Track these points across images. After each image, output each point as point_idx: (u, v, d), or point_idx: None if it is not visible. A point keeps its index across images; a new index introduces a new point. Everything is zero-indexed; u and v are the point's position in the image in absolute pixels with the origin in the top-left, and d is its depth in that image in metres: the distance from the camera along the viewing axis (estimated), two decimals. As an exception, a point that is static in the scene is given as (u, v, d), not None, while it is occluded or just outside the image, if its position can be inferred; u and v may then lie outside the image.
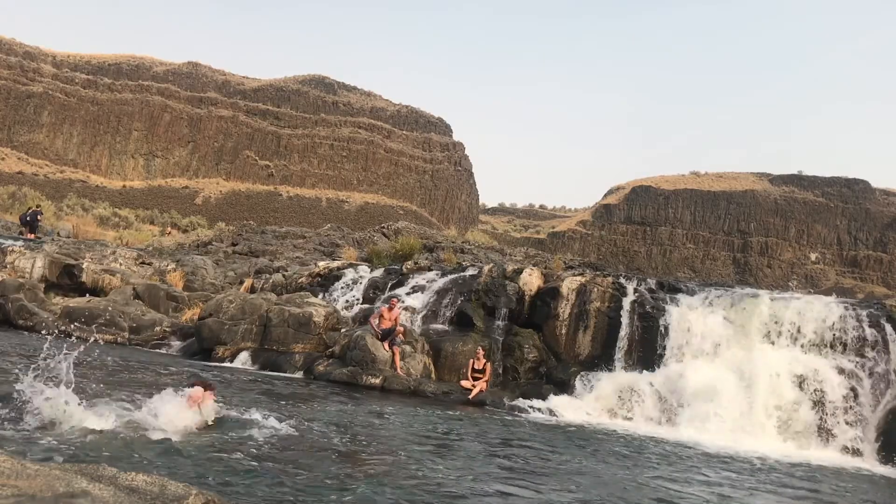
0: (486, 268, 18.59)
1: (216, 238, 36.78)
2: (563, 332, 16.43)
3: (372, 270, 21.17)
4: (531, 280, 17.62)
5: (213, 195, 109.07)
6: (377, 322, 15.60)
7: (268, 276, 22.71)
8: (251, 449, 6.80)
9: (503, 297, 17.24)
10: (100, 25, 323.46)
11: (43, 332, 16.46)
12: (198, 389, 7.37)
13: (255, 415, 8.08)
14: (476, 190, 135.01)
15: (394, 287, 19.43)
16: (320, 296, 19.47)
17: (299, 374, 15.54)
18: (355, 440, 8.31)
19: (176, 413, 6.81)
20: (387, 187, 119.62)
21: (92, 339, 9.71)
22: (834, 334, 14.11)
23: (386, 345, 15.41)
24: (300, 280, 21.01)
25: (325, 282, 20.86)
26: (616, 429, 12.91)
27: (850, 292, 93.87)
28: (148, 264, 24.30)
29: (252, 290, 20.98)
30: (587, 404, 14.45)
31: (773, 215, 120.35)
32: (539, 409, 14.09)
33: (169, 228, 62.50)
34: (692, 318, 15.27)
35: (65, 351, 6.61)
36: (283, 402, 10.66)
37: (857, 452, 12.62)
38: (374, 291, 19.79)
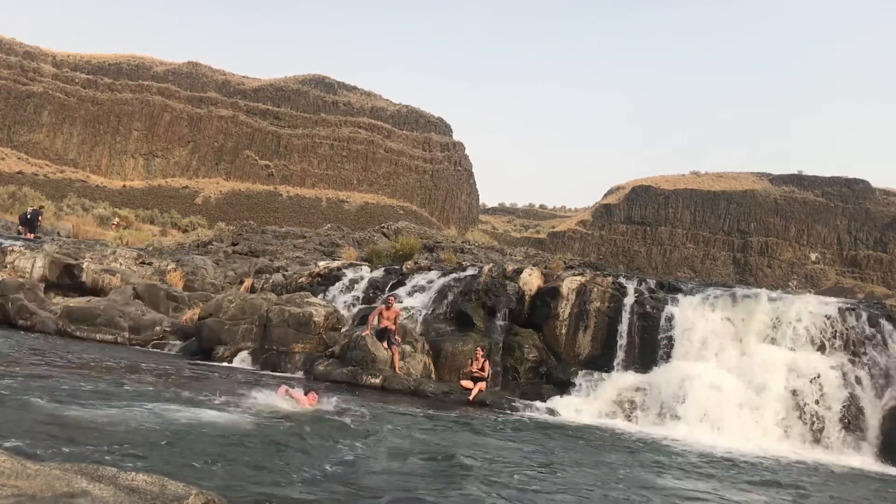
0: (486, 268, 18.58)
1: (216, 238, 36.76)
2: (563, 332, 16.42)
3: (372, 270, 21.16)
4: (531, 280, 17.62)
5: (213, 195, 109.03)
6: (376, 321, 15.61)
7: (268, 276, 22.69)
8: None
9: (503, 296, 17.24)
10: (100, 25, 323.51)
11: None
12: (299, 391, 10.55)
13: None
14: (476, 190, 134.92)
15: (394, 287, 19.43)
16: (320, 296, 19.46)
17: (299, 374, 15.55)
18: (358, 439, 8.32)
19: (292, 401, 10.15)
20: (387, 187, 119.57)
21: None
22: (834, 334, 14.11)
23: (385, 344, 15.41)
24: (300, 280, 21.00)
25: (325, 282, 20.85)
26: (616, 429, 12.91)
27: (850, 292, 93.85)
28: (148, 264, 24.29)
29: (252, 290, 20.97)
30: (587, 404, 14.45)
31: (773, 215, 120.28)
32: (539, 409, 14.10)
33: (117, 219, 57.15)
34: (692, 318, 15.27)
35: None
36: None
37: (856, 451, 12.62)
38: (374, 291, 19.78)
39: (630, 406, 14.21)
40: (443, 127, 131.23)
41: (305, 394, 10.62)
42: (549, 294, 16.96)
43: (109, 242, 29.69)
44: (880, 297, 44.41)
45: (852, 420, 12.98)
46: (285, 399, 10.35)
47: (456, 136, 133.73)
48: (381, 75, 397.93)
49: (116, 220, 55.88)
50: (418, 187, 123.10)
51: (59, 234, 35.75)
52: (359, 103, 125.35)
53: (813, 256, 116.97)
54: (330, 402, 10.76)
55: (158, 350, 17.73)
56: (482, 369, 14.93)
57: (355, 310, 18.98)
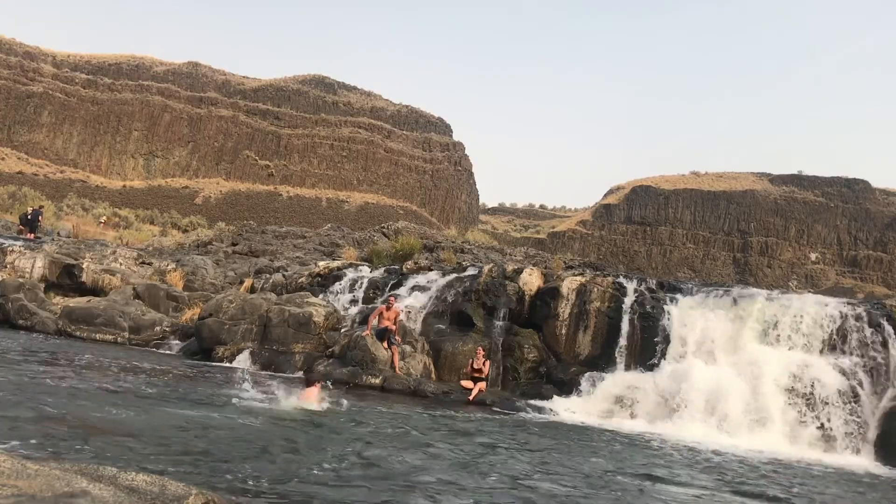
0: (486, 268, 18.58)
1: (216, 238, 36.75)
2: (563, 331, 16.42)
3: (372, 270, 21.15)
4: (531, 280, 17.62)
5: (213, 195, 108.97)
6: (376, 321, 15.61)
7: (268, 276, 22.69)
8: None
9: (503, 296, 17.24)
10: (100, 25, 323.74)
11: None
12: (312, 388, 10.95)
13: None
14: (476, 190, 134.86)
15: (394, 287, 19.43)
16: (320, 296, 19.46)
17: (299, 374, 15.53)
18: (353, 438, 8.32)
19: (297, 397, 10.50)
20: (387, 187, 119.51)
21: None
22: (833, 334, 14.11)
23: (385, 344, 15.41)
24: (300, 280, 20.99)
25: (325, 282, 20.85)
26: (616, 428, 12.91)
27: (850, 292, 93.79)
28: (148, 264, 24.30)
29: (252, 290, 20.96)
30: (587, 404, 14.45)
31: (773, 215, 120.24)
32: (539, 409, 14.10)
33: (104, 218, 55.13)
34: (692, 318, 15.27)
35: None
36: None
37: (856, 452, 12.62)
38: (374, 291, 19.78)
39: (630, 406, 14.21)
40: (443, 127, 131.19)
41: (309, 384, 11.11)
42: (549, 294, 16.96)
43: (109, 242, 29.69)
44: (880, 297, 44.36)
45: (852, 421, 12.98)
46: (294, 396, 10.48)
47: (456, 136, 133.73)
48: (381, 75, 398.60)
49: (104, 218, 55.43)
50: (418, 187, 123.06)
51: (59, 234, 35.76)
52: (359, 103, 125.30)
53: (813, 256, 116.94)
54: (330, 402, 10.83)
55: (158, 350, 17.73)
56: (482, 369, 14.94)
57: (355, 310, 18.98)
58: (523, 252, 34.56)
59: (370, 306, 18.74)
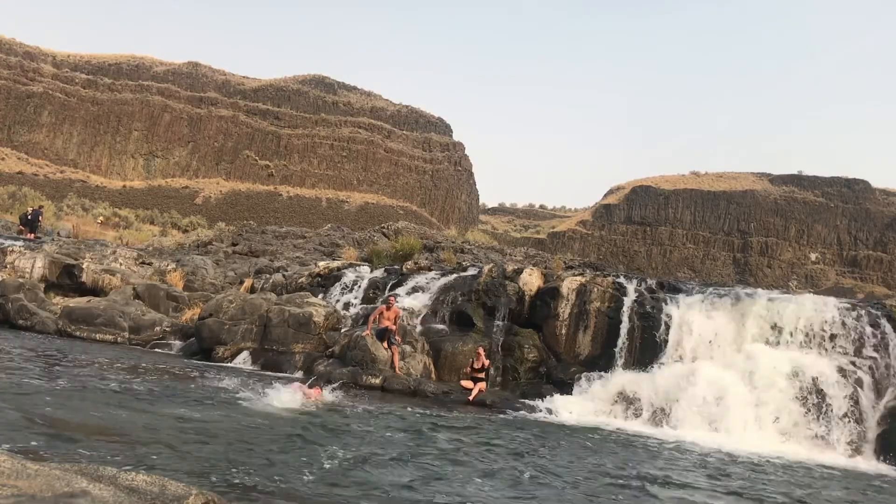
0: (486, 268, 18.57)
1: (216, 238, 36.75)
2: (564, 332, 16.42)
3: (372, 270, 21.15)
4: (531, 280, 17.62)
5: (213, 195, 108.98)
6: (376, 321, 15.61)
7: (268, 276, 22.69)
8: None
9: (503, 297, 17.23)
10: (100, 25, 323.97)
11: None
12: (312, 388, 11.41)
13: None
14: (476, 190, 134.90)
15: (394, 287, 19.43)
16: (320, 296, 19.45)
17: (299, 374, 15.54)
18: (353, 439, 8.32)
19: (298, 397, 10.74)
20: (387, 187, 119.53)
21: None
22: (834, 334, 14.11)
23: (385, 344, 15.41)
24: (300, 280, 20.99)
25: (325, 282, 20.85)
26: (616, 428, 12.90)
27: (850, 292, 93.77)
28: (148, 264, 24.30)
29: (252, 290, 20.96)
30: (587, 404, 14.45)
31: (773, 215, 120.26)
32: (539, 409, 14.09)
33: (101, 218, 55.14)
34: (692, 318, 15.27)
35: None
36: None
37: (857, 452, 12.62)
38: (374, 291, 19.77)
39: (630, 406, 14.21)
40: (443, 127, 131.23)
41: (311, 387, 11.25)
42: (549, 294, 16.95)
43: (109, 242, 29.69)
44: (880, 297, 44.34)
45: (852, 420, 12.97)
46: (295, 394, 10.56)
47: (456, 136, 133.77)
48: (381, 75, 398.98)
49: (101, 218, 55.36)
50: (418, 187, 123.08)
51: (59, 234, 35.78)
52: (359, 103, 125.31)
53: (813, 256, 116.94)
54: (331, 401, 10.90)
55: (158, 350, 17.72)
56: (483, 369, 14.92)
57: (355, 310, 18.98)
58: (523, 252, 34.55)
59: (370, 306, 18.74)
